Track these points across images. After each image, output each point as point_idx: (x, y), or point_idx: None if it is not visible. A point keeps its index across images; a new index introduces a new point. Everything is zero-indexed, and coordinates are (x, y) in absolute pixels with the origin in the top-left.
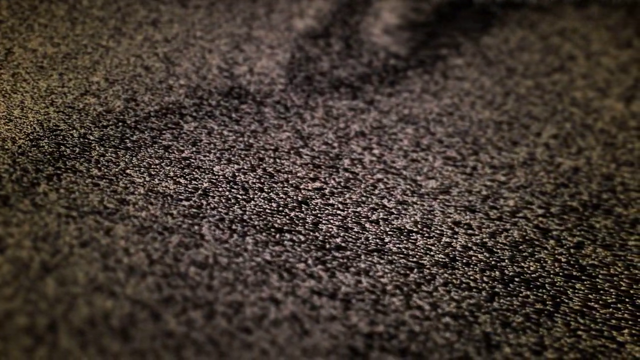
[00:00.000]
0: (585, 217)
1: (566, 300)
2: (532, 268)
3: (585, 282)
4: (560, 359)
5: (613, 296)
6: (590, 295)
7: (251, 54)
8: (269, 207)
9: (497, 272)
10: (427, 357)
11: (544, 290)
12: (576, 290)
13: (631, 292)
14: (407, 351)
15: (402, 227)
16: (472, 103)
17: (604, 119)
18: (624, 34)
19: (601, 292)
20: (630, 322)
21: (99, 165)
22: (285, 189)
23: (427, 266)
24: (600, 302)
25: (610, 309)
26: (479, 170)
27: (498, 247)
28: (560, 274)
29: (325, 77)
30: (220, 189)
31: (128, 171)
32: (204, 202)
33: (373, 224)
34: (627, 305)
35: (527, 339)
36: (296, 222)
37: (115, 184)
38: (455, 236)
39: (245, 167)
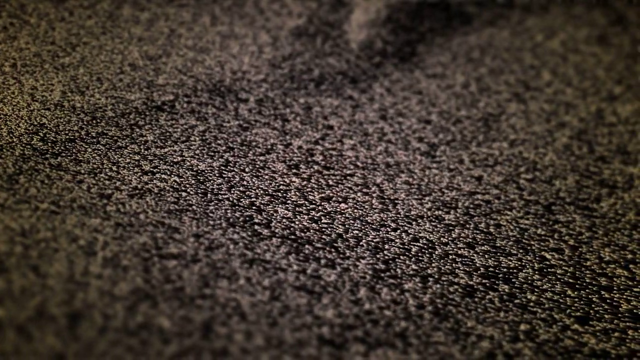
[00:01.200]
0: (562, 211)
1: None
2: (509, 263)
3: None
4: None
5: (583, 290)
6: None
7: (235, 52)
8: (248, 202)
9: (473, 266)
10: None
11: (517, 283)
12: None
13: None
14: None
15: (375, 221)
16: (447, 99)
17: (579, 115)
18: (600, 31)
19: (576, 285)
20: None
21: (80, 161)
22: (265, 183)
23: (401, 258)
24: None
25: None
26: (456, 166)
27: (477, 242)
28: (537, 269)
29: (308, 74)
30: (200, 185)
31: (109, 167)
32: (184, 198)
33: (350, 219)
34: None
35: (502, 328)
36: (274, 216)
37: (96, 179)
38: (432, 230)
39: (226, 163)
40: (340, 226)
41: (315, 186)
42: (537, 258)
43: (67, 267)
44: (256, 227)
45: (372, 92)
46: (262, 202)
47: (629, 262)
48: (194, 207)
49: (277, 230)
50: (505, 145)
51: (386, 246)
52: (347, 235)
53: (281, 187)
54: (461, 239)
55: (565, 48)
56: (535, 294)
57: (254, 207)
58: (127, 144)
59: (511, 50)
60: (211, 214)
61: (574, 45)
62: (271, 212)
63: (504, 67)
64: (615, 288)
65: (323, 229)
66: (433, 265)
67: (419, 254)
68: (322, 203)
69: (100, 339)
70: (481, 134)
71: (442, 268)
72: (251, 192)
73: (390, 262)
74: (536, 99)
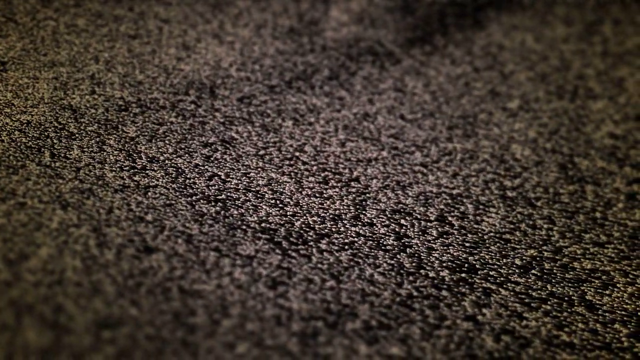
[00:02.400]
0: (541, 206)
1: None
2: (489, 260)
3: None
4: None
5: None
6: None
7: (220, 49)
8: (225, 197)
9: (449, 261)
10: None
11: (493, 280)
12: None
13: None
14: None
15: (352, 217)
16: (428, 97)
17: (558, 112)
18: (581, 30)
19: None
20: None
21: (63, 158)
22: (246, 179)
23: (370, 253)
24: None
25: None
26: (435, 161)
27: (455, 238)
28: (513, 266)
29: (290, 72)
30: (181, 181)
31: (93, 163)
32: (164, 194)
33: (327, 215)
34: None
35: (477, 322)
36: (250, 212)
37: (78, 175)
38: (410, 226)
39: (207, 159)
40: (316, 221)
41: (295, 182)
42: (516, 254)
43: (44, 261)
44: (233, 222)
45: (354, 90)
46: (240, 197)
47: (609, 259)
48: (173, 202)
49: (253, 225)
50: (486, 142)
51: (361, 241)
52: (323, 230)
53: (260, 182)
54: (438, 234)
55: (545, 46)
56: (511, 290)
57: (231, 202)
58: (112, 141)
59: (492, 49)
60: (190, 209)
61: (554, 43)
62: (249, 207)
63: (486, 65)
64: (595, 286)
65: (298, 223)
66: (407, 259)
67: (394, 249)
68: (300, 198)
69: (77, 332)
70: (461, 130)
71: (418, 263)
72: (230, 187)
73: (366, 257)
74: (514, 96)
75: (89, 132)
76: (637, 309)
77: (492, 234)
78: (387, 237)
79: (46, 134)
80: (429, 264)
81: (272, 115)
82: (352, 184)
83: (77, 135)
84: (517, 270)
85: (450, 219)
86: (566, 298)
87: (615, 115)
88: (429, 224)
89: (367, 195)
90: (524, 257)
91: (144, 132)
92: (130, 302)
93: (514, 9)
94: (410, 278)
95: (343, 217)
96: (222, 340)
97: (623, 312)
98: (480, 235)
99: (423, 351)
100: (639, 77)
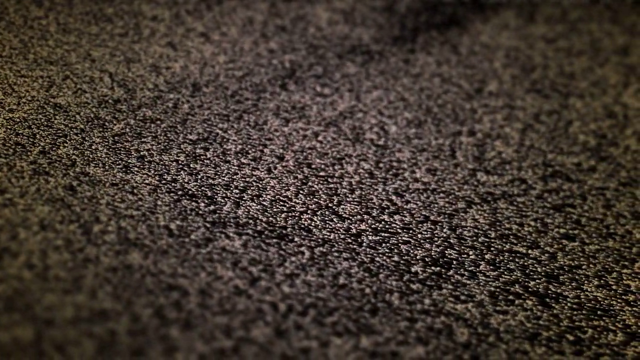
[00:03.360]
0: (515, 203)
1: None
2: (465, 255)
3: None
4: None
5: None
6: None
7: (206, 47)
8: (210, 193)
9: (422, 255)
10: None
11: (466, 273)
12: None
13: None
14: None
15: (332, 212)
16: (410, 95)
17: (535, 110)
18: (561, 30)
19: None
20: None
21: (46, 154)
22: (229, 176)
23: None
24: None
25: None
26: (418, 160)
27: (433, 233)
28: (489, 260)
29: (277, 70)
30: (165, 178)
31: (79, 161)
32: (148, 190)
33: (310, 211)
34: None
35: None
36: (234, 208)
37: (66, 173)
38: (389, 222)
39: (192, 155)
40: (298, 217)
41: (279, 178)
42: (492, 250)
43: (27, 257)
44: (217, 218)
45: (339, 87)
46: (225, 193)
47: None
48: (159, 198)
49: (236, 221)
50: (468, 139)
51: (341, 236)
52: (303, 225)
53: (245, 179)
54: (417, 229)
55: (529, 45)
56: (482, 285)
57: (216, 198)
58: (99, 138)
59: (476, 47)
60: (175, 205)
61: (533, 42)
62: (234, 203)
63: (468, 63)
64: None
65: (280, 219)
66: (385, 254)
67: (373, 244)
68: (283, 194)
69: (59, 326)
70: (443, 127)
71: (396, 257)
72: (215, 184)
73: (344, 252)
74: (494, 94)
75: (77, 130)
76: (606, 301)
77: (469, 228)
78: (366, 233)
79: (35, 131)
80: (406, 258)
81: (257, 112)
82: (335, 180)
83: (65, 132)
84: (492, 265)
85: (429, 215)
86: (540, 292)
87: (597, 113)
88: (409, 219)
89: (349, 190)
90: (500, 253)
91: (131, 129)
92: (114, 296)
93: (498, 8)
94: (387, 272)
95: (324, 213)
96: (202, 333)
97: (594, 306)
98: (458, 230)
99: (398, 344)
100: (620, 75)
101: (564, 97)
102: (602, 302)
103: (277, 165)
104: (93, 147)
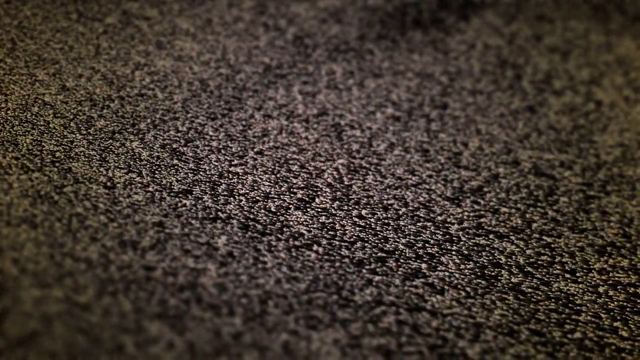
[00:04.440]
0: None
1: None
2: (437, 248)
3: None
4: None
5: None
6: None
7: (189, 47)
8: (196, 188)
9: (379, 246)
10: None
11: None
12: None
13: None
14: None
15: (303, 206)
16: (386, 95)
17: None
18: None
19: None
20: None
21: (31, 151)
22: (210, 171)
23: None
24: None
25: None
26: (393, 155)
27: (399, 226)
28: (459, 252)
29: (259, 68)
30: (149, 172)
31: (62, 158)
32: (129, 187)
33: (292, 206)
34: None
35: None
36: (220, 204)
37: (50, 169)
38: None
39: (174, 152)
40: (278, 211)
41: (260, 174)
42: (462, 244)
43: (10, 252)
44: (200, 214)
45: (324, 85)
46: (210, 190)
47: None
48: (143, 195)
49: (221, 217)
50: (442, 136)
51: (301, 228)
52: (282, 220)
53: (226, 175)
54: (392, 223)
55: (510, 43)
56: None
57: (201, 194)
58: (81, 136)
59: (456, 46)
60: (160, 202)
61: (514, 40)
62: (220, 199)
63: (450, 62)
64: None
65: (261, 214)
66: (359, 248)
67: (348, 237)
68: (265, 189)
69: (44, 320)
70: (423, 124)
71: (369, 251)
72: (197, 180)
73: (320, 245)
74: (474, 91)
75: (62, 127)
76: (569, 292)
77: (446, 224)
78: (343, 228)
79: (22, 128)
80: (381, 253)
81: (242, 110)
82: (315, 175)
83: (51, 129)
84: (468, 260)
85: (405, 210)
86: (509, 286)
87: (573, 109)
88: (385, 214)
89: (327, 185)
90: (476, 247)
91: (116, 126)
92: (98, 292)
93: (482, 7)
94: (363, 266)
95: (303, 207)
96: (181, 326)
97: (557, 296)
98: (435, 225)
99: (365, 335)
100: (598, 73)
101: (542, 93)
102: (574, 296)
103: (259, 162)
104: (78, 144)
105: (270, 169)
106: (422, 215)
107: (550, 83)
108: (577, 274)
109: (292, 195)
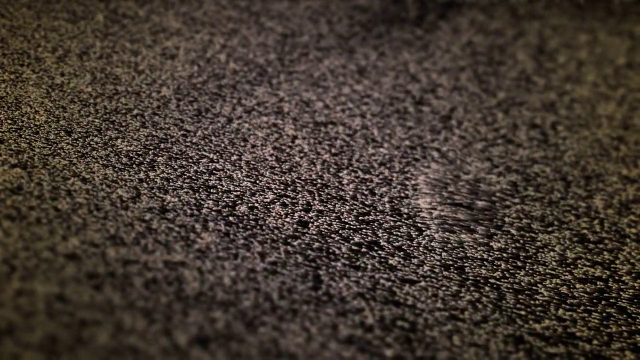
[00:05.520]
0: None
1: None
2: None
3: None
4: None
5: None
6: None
7: (170, 46)
8: (183, 186)
9: (346, 236)
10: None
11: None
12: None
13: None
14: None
15: (280, 199)
16: (360, 90)
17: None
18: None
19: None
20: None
21: (22, 149)
22: (185, 168)
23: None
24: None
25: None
26: (360, 149)
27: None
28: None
29: (240, 67)
30: (130, 169)
31: (46, 153)
32: (123, 186)
33: (270, 199)
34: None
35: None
36: (202, 201)
37: (27, 165)
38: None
39: (156, 149)
40: (256, 204)
41: (237, 169)
42: (426, 235)
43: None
44: (180, 211)
45: (309, 83)
46: (185, 186)
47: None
48: (122, 192)
49: (195, 210)
50: (424, 132)
51: (280, 223)
52: (249, 213)
53: (210, 173)
54: (367, 217)
55: (490, 42)
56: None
57: (177, 193)
58: (65, 133)
59: (441, 43)
60: (146, 199)
61: (499, 39)
62: (193, 196)
63: (429, 59)
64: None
65: (242, 209)
66: (332, 243)
67: (323, 232)
68: (242, 183)
69: (27, 314)
70: (406, 121)
71: (343, 246)
72: (178, 176)
73: (292, 240)
74: (456, 89)
75: (48, 124)
76: (538, 284)
77: (425, 221)
78: (322, 224)
79: (7, 126)
80: (356, 247)
81: (225, 106)
82: (293, 170)
83: (37, 126)
84: (434, 251)
85: (381, 206)
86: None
87: (546, 106)
88: (362, 209)
89: (305, 180)
90: (443, 239)
91: (101, 123)
92: (79, 286)
93: (463, 6)
94: (335, 261)
95: (283, 202)
96: (163, 320)
97: (525, 288)
98: (413, 221)
99: (351, 327)
100: (577, 69)
101: (521, 90)
102: (541, 288)
103: (241, 158)
104: (60, 140)
105: (252, 165)
106: (399, 209)
107: (530, 80)
108: (547, 267)
109: (272, 191)
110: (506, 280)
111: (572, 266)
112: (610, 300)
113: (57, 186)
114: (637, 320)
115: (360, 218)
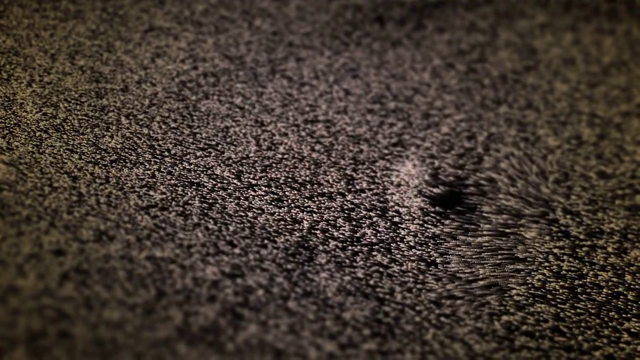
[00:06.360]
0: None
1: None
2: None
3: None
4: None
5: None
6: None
7: (158, 44)
8: (145, 178)
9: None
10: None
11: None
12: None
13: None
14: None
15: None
16: (339, 89)
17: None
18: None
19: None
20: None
21: (9, 148)
22: (168, 165)
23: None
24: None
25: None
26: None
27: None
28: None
29: (215, 68)
30: (110, 164)
31: (29, 150)
32: (111, 184)
33: (245, 189)
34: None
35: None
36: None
37: (12, 161)
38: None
39: (134, 145)
40: (229, 197)
41: (222, 166)
42: (399, 230)
43: None
44: (161, 204)
45: (293, 81)
46: (166, 180)
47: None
48: (109, 187)
49: (180, 206)
50: (413, 129)
51: (264, 219)
52: (232, 208)
53: (190, 168)
54: (346, 212)
55: (474, 42)
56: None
57: (156, 187)
58: (54, 130)
59: (425, 41)
60: (133, 197)
61: (481, 39)
62: (173, 190)
63: (417, 57)
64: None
65: (219, 204)
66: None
67: (297, 227)
68: (222, 177)
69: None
70: (390, 120)
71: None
72: (156, 170)
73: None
74: (439, 87)
75: (36, 122)
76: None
77: (406, 220)
78: (303, 219)
79: (3, 123)
80: (339, 242)
81: (212, 104)
82: (280, 167)
83: (32, 124)
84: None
85: (358, 198)
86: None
87: (519, 103)
88: (346, 204)
89: (289, 178)
90: (433, 239)
91: (90, 121)
92: (63, 280)
93: (450, 3)
94: (312, 258)
95: (267, 199)
96: (149, 316)
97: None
98: (390, 218)
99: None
100: (561, 67)
101: (506, 88)
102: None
103: (226, 155)
104: (48, 138)
105: (238, 163)
106: (383, 206)
107: (516, 77)
108: (526, 262)
109: (257, 188)
110: (485, 275)
111: (550, 261)
112: (585, 296)
113: (45, 183)
114: (611, 314)
115: (345, 215)
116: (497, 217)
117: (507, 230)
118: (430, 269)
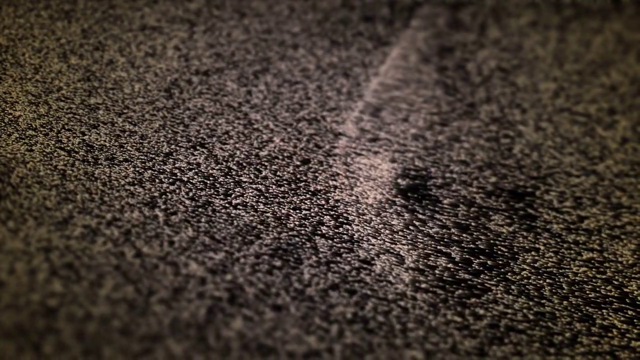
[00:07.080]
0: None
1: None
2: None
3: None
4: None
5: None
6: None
7: (158, 45)
8: (133, 175)
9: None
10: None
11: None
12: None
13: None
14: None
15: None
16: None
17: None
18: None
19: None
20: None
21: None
22: (152, 162)
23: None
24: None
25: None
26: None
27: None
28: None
29: (201, 67)
30: (98, 161)
31: (18, 146)
32: (101, 182)
33: (233, 184)
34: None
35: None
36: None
37: (5, 160)
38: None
39: (119, 144)
40: (215, 196)
41: (208, 164)
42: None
43: None
44: (146, 199)
45: (278, 79)
46: (152, 176)
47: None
48: (96, 184)
49: (167, 202)
50: (392, 127)
51: (249, 214)
52: (218, 204)
53: (176, 167)
54: (326, 206)
55: (457, 43)
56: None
57: (143, 184)
58: (45, 130)
59: (403, 42)
60: (123, 196)
61: (460, 39)
62: (159, 186)
63: (400, 56)
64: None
65: (205, 201)
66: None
67: (281, 222)
68: (209, 172)
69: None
70: (371, 116)
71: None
72: (141, 166)
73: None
74: (424, 84)
75: (27, 121)
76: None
77: (391, 220)
78: (286, 214)
79: None
80: (310, 235)
81: (197, 104)
82: (264, 163)
83: (22, 122)
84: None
85: (341, 193)
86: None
87: (501, 102)
88: (318, 197)
89: (274, 172)
90: (417, 236)
91: (83, 119)
92: (51, 276)
93: (429, 2)
94: (295, 257)
95: (250, 194)
96: (138, 311)
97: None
98: (373, 216)
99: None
100: (546, 66)
101: (488, 87)
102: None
103: (211, 151)
104: (38, 135)
105: (227, 160)
106: (365, 201)
107: (499, 76)
108: (499, 258)
109: (246, 185)
110: (456, 268)
111: (526, 257)
112: (565, 291)
113: (35, 181)
114: (593, 309)
115: (331, 212)
116: (477, 212)
117: (485, 226)
118: (401, 262)
